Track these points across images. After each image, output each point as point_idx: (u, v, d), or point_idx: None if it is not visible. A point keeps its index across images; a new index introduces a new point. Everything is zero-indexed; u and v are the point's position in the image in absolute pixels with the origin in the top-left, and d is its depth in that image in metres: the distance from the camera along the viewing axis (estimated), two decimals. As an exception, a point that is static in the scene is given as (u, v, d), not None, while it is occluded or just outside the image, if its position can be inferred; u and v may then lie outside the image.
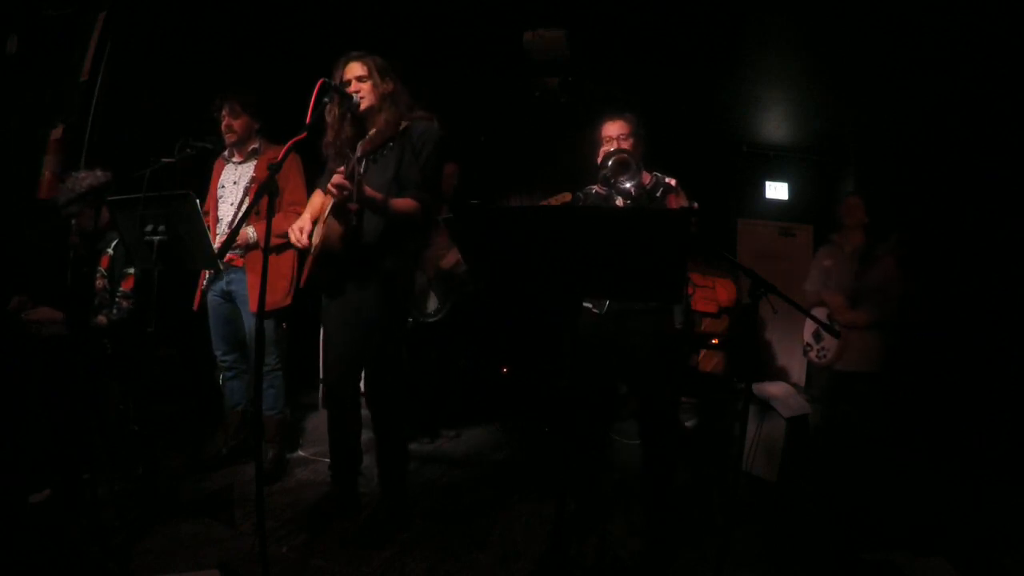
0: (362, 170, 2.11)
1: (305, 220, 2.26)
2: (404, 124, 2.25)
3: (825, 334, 2.95)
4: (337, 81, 2.20)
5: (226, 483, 2.72)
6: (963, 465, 3.12)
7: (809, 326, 3.10)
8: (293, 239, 2.22)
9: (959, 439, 3.30)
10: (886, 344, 2.90)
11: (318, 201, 2.37)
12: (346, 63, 2.24)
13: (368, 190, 2.08)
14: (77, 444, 2.50)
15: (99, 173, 2.70)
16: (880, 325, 2.87)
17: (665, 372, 2.32)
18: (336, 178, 2.03)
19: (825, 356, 2.97)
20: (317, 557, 2.17)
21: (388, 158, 2.24)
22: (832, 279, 3.05)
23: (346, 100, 2.18)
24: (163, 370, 3.13)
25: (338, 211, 2.12)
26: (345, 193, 2.01)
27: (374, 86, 2.22)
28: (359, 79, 2.22)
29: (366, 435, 3.51)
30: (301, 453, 3.20)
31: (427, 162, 2.23)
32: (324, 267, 2.22)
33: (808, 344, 3.08)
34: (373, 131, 2.21)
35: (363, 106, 2.21)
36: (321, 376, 2.46)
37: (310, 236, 2.22)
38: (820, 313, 3.00)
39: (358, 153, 2.13)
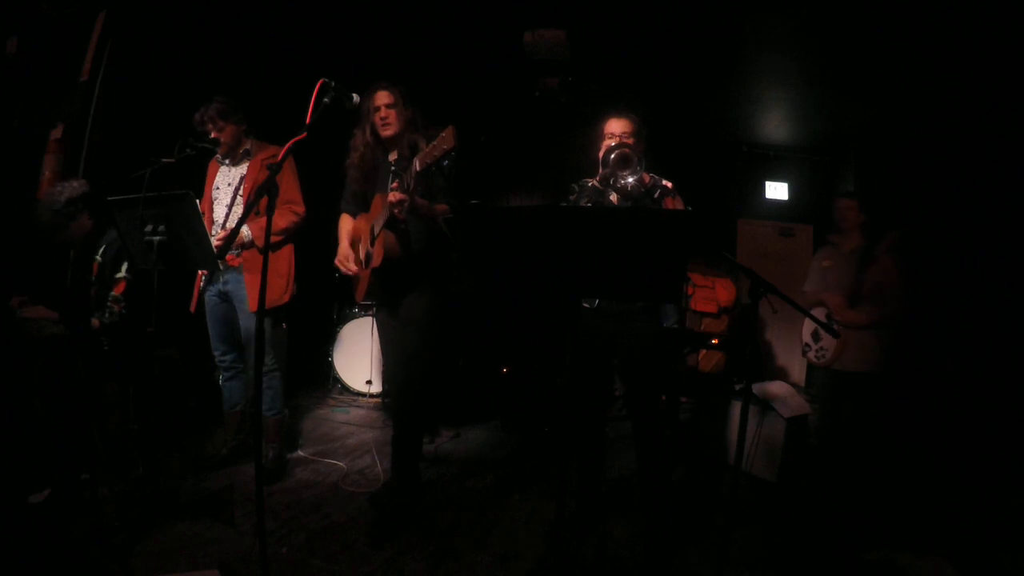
0: (414, 185, 2.20)
1: (344, 247, 2.51)
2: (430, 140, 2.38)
3: (824, 334, 2.95)
4: (366, 108, 2.39)
5: (226, 483, 2.72)
6: (963, 465, 3.12)
7: (808, 326, 3.09)
8: (344, 270, 2.48)
9: (958, 439, 3.30)
10: (885, 344, 2.89)
11: (350, 226, 2.56)
12: (374, 91, 2.42)
13: (419, 200, 2.26)
14: (77, 444, 2.50)
15: (75, 183, 2.76)
16: (879, 325, 2.86)
17: (660, 372, 2.34)
18: (394, 195, 2.18)
19: (824, 356, 2.96)
20: (317, 557, 2.18)
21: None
22: (831, 279, 3.04)
23: (347, 100, 2.20)
24: (163, 370, 3.13)
25: (391, 223, 2.28)
26: (405, 206, 2.18)
27: (399, 114, 2.42)
28: (388, 106, 2.41)
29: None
30: (301, 453, 3.21)
31: (450, 172, 2.44)
32: (385, 280, 2.36)
33: (807, 344, 3.08)
34: (427, 146, 2.24)
35: (389, 132, 2.42)
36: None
37: (358, 259, 2.46)
38: (819, 313, 3.00)
39: (417, 167, 2.18)
